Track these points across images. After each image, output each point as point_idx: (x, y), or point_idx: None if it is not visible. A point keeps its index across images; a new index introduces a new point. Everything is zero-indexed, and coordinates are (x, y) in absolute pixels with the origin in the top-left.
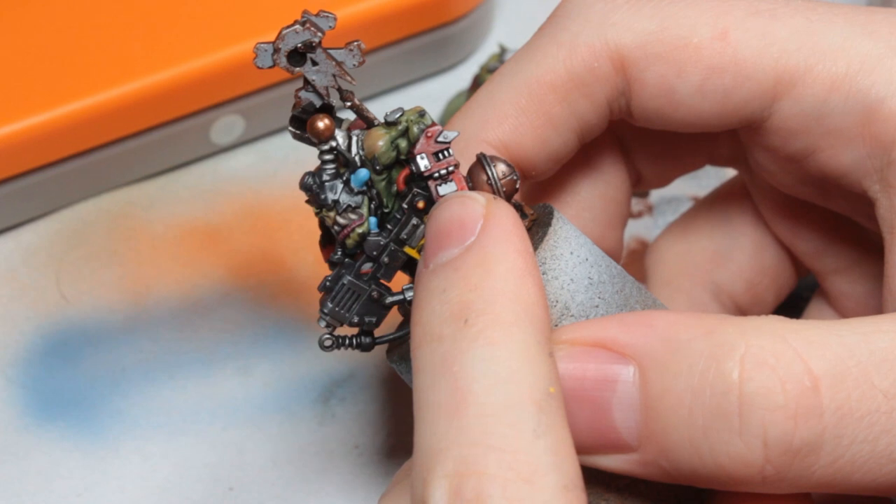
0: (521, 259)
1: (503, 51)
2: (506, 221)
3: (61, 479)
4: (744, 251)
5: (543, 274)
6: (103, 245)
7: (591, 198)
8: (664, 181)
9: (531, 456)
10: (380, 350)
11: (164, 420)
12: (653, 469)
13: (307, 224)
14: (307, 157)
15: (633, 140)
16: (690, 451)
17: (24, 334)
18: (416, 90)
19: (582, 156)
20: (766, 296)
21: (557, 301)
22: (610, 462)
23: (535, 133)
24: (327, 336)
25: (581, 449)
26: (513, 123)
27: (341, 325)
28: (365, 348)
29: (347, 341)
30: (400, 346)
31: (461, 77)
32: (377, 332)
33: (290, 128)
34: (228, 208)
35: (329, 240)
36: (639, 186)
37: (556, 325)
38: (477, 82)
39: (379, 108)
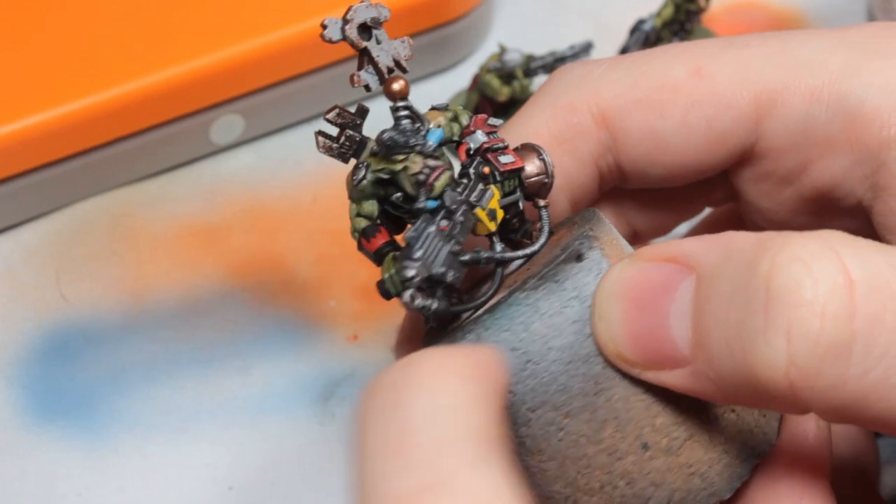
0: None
1: (503, 50)
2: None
3: (61, 479)
4: None
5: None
6: (103, 245)
7: None
8: (662, 232)
9: (471, 487)
10: (379, 349)
11: (164, 420)
12: (704, 383)
13: (307, 224)
14: (307, 157)
15: (627, 198)
16: (727, 355)
17: (24, 334)
18: (417, 90)
19: None
20: None
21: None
22: (669, 378)
23: None
24: (412, 293)
25: (643, 363)
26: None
27: (427, 275)
28: (441, 314)
29: (429, 301)
30: (432, 337)
31: (461, 77)
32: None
33: (319, 136)
34: (228, 208)
35: (375, 229)
36: (636, 242)
37: None
38: (477, 82)
39: (379, 108)
